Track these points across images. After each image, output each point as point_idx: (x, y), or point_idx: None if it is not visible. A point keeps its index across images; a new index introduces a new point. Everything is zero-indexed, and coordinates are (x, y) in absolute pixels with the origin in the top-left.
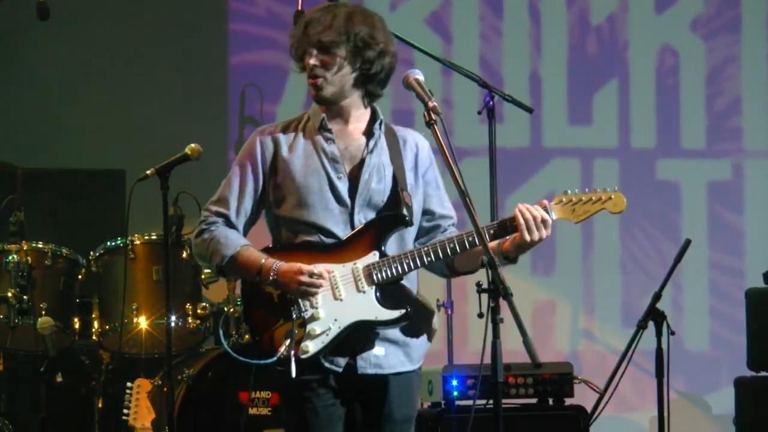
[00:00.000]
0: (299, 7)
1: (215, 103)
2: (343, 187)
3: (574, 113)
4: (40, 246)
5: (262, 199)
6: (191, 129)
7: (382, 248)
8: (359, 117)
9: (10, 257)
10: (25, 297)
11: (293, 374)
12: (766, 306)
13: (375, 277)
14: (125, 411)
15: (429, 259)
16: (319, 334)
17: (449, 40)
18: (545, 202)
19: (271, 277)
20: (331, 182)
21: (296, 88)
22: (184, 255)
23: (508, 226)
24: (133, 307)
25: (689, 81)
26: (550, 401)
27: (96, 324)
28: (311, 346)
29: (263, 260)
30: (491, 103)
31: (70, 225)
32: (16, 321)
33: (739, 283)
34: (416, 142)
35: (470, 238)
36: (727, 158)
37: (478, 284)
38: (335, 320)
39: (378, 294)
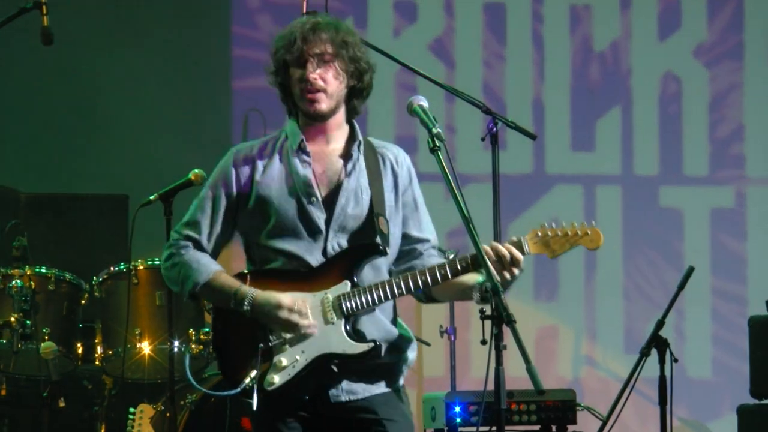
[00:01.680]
0: None
1: (218, 128)
2: (316, 212)
3: (577, 140)
4: (43, 271)
5: (235, 223)
6: (194, 154)
7: (354, 278)
8: (339, 136)
9: (14, 282)
10: (28, 322)
11: (254, 407)
12: None
13: (344, 308)
14: None
15: (400, 291)
16: (285, 366)
17: (452, 66)
18: (520, 237)
19: (246, 305)
20: (303, 208)
21: None
22: None
23: (478, 262)
24: (136, 332)
25: (692, 108)
26: (553, 428)
27: (99, 349)
28: (277, 378)
29: (238, 287)
30: (494, 129)
31: (74, 250)
32: (19, 346)
33: (742, 310)
34: (396, 159)
35: (442, 272)
36: (730, 185)
37: (482, 311)
38: (302, 352)
39: (347, 326)
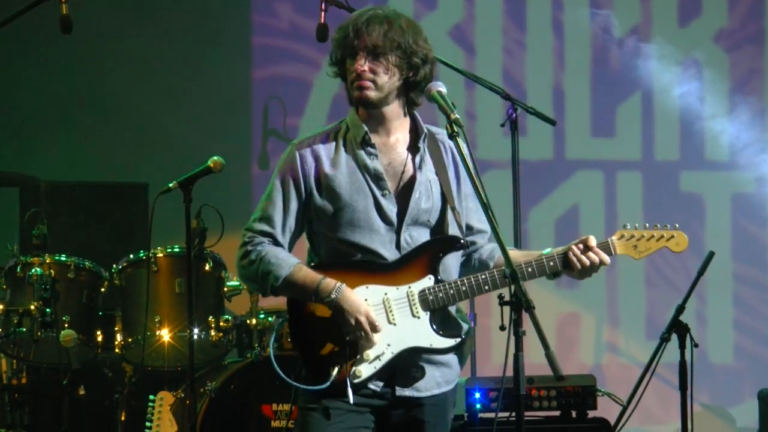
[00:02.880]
0: (322, 20)
1: (238, 116)
2: (388, 205)
3: (597, 126)
4: (63, 259)
5: (306, 215)
6: (214, 142)
7: (437, 272)
8: (400, 127)
9: (34, 270)
10: (48, 310)
11: (351, 400)
12: None
13: (430, 303)
14: (148, 424)
15: (487, 287)
16: (372, 359)
17: (473, 52)
18: (607, 239)
19: (333, 296)
20: (376, 201)
21: (319, 102)
22: (207, 268)
23: (569, 260)
24: (156, 319)
25: (713, 93)
26: (573, 414)
27: (119, 337)
28: (364, 371)
29: (321, 279)
30: (514, 115)
31: (93, 238)
32: (39, 334)
33: (763, 295)
34: (452, 149)
35: (529, 269)
36: (750, 170)
37: (501, 297)
38: (388, 345)
39: (432, 319)
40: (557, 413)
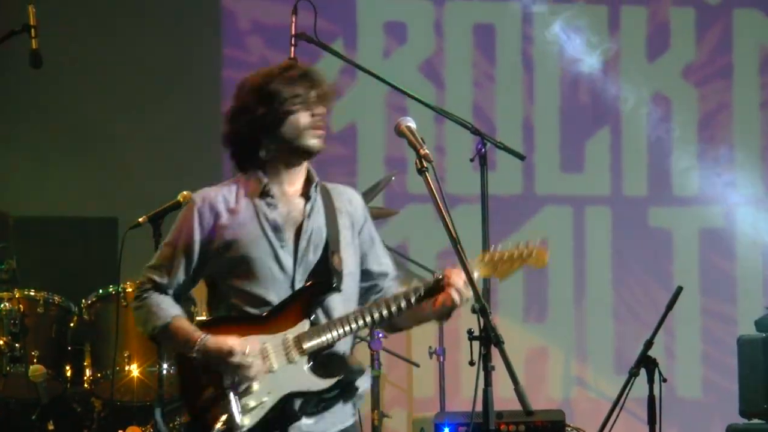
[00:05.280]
0: (292, 55)
1: (208, 149)
2: (285, 255)
3: (566, 161)
4: (32, 294)
5: (200, 268)
6: (183, 176)
7: (312, 316)
8: (298, 176)
9: (2, 305)
10: (17, 345)
11: None
12: (757, 353)
13: (305, 347)
14: None
15: (356, 326)
16: (253, 408)
17: (442, 86)
18: (471, 261)
19: (197, 346)
20: (275, 252)
21: None
22: None
23: (434, 288)
24: (125, 354)
25: (681, 128)
26: None
27: (88, 371)
28: (247, 421)
29: (191, 333)
30: (483, 150)
31: (63, 272)
32: (8, 369)
33: (732, 329)
34: (350, 199)
35: (398, 303)
36: (719, 205)
37: (470, 331)
38: (269, 393)
39: (310, 363)
40: None
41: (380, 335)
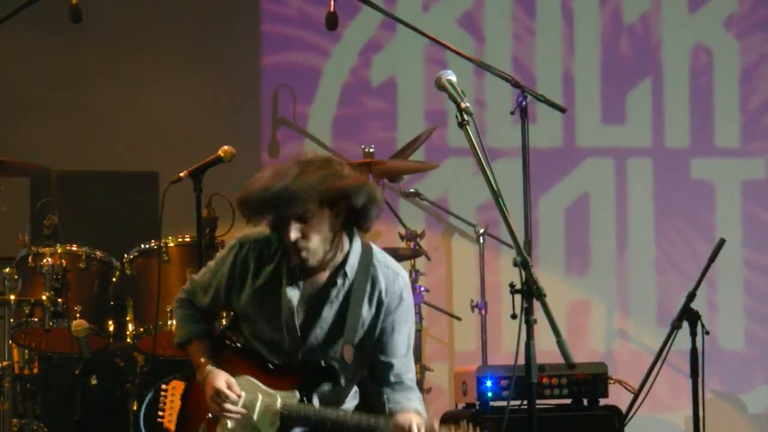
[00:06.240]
0: (331, 9)
1: (248, 104)
2: (291, 341)
3: (607, 112)
4: (74, 249)
5: (227, 305)
6: (224, 131)
7: (305, 392)
8: (336, 258)
9: (45, 260)
10: (59, 300)
11: None
12: None
13: (285, 417)
14: (159, 413)
15: (329, 425)
16: None
17: (482, 40)
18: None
19: (198, 380)
20: (282, 335)
21: (329, 90)
22: None
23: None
24: (168, 309)
25: (723, 79)
26: (585, 402)
27: (130, 326)
28: None
29: (201, 363)
30: (524, 103)
31: (104, 227)
32: (51, 324)
33: None
34: (386, 289)
35: (373, 422)
36: (761, 157)
37: (512, 285)
38: None
39: (280, 424)
40: (568, 401)
41: (422, 289)
